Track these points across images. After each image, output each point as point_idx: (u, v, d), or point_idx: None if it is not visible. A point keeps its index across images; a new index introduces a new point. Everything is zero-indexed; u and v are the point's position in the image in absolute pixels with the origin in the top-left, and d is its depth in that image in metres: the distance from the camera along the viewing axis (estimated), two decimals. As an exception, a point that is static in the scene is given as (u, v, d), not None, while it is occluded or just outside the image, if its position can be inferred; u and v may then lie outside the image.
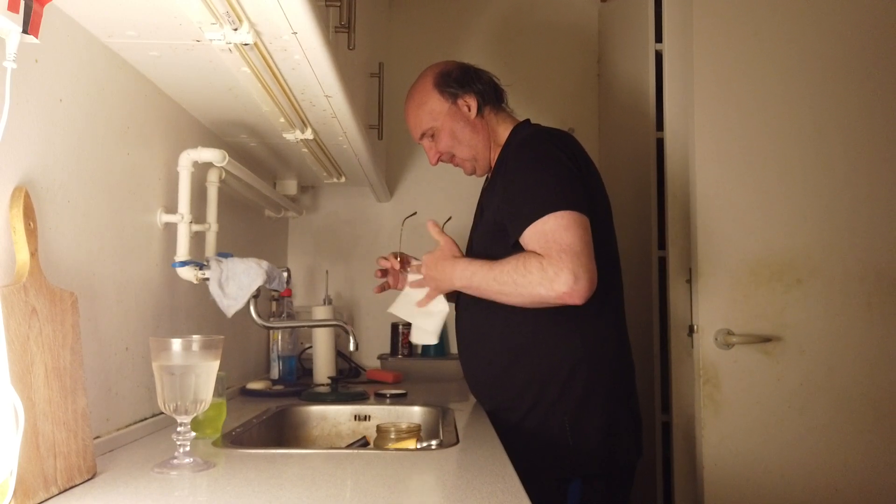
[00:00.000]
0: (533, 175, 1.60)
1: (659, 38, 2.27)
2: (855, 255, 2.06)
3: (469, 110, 1.76)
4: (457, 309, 1.79)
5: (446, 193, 2.64)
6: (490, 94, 1.79)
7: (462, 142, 1.76)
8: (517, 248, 1.56)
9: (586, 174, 1.65)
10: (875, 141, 2.08)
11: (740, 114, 2.09)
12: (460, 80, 1.77)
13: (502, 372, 1.67)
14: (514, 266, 1.52)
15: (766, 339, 2.04)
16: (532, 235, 1.52)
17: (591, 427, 1.60)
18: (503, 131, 1.78)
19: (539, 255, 1.50)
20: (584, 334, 1.63)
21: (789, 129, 2.09)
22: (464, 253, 1.74)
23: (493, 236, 1.65)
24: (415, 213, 1.93)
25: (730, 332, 2.04)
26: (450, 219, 1.87)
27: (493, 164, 1.79)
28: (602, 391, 1.62)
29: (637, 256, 2.30)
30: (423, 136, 1.81)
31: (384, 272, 1.85)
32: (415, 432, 1.48)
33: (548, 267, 1.47)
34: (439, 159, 1.82)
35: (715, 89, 2.09)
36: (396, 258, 1.81)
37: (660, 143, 2.24)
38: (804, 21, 2.11)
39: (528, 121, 1.81)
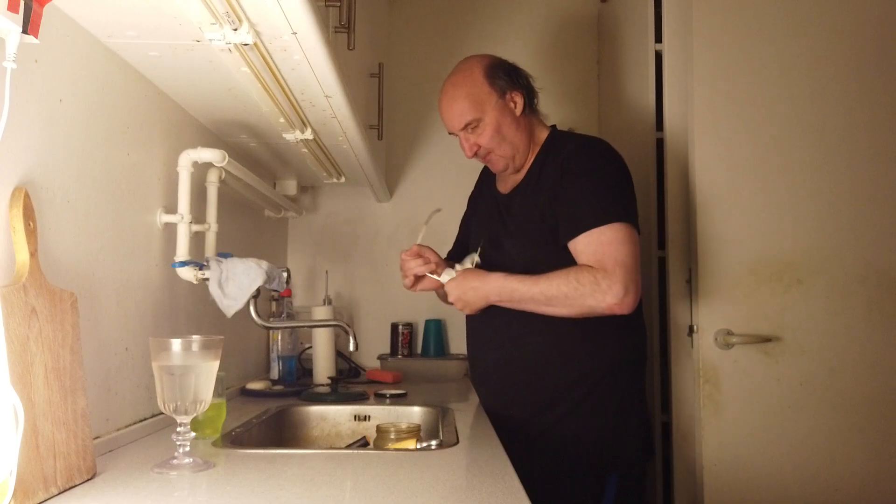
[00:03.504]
0: (596, 182, 1.64)
1: (659, 38, 2.26)
2: (855, 256, 2.06)
3: (515, 107, 1.72)
4: (481, 312, 1.73)
5: (446, 193, 2.64)
6: (531, 95, 1.77)
7: (506, 138, 1.71)
8: (566, 251, 1.61)
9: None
10: (876, 141, 2.08)
11: (740, 114, 2.09)
12: (510, 74, 1.72)
13: (544, 373, 1.67)
14: (564, 280, 1.57)
15: (766, 340, 2.03)
16: (587, 243, 1.58)
17: (632, 422, 1.68)
18: (540, 133, 1.78)
19: (591, 267, 1.56)
20: (633, 331, 1.72)
21: (790, 128, 2.08)
22: (476, 254, 1.73)
23: (537, 240, 1.66)
24: (439, 210, 1.86)
25: (730, 333, 2.04)
26: (438, 210, 1.81)
27: (527, 166, 1.76)
28: (639, 387, 1.74)
29: (637, 256, 2.30)
30: (465, 126, 1.71)
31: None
32: (415, 432, 1.48)
33: (601, 280, 1.54)
34: (475, 153, 1.75)
35: (715, 89, 2.09)
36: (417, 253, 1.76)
37: (660, 143, 2.23)
38: (805, 21, 2.11)
39: (555, 126, 1.83)
